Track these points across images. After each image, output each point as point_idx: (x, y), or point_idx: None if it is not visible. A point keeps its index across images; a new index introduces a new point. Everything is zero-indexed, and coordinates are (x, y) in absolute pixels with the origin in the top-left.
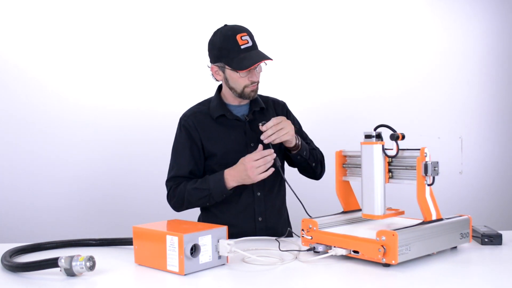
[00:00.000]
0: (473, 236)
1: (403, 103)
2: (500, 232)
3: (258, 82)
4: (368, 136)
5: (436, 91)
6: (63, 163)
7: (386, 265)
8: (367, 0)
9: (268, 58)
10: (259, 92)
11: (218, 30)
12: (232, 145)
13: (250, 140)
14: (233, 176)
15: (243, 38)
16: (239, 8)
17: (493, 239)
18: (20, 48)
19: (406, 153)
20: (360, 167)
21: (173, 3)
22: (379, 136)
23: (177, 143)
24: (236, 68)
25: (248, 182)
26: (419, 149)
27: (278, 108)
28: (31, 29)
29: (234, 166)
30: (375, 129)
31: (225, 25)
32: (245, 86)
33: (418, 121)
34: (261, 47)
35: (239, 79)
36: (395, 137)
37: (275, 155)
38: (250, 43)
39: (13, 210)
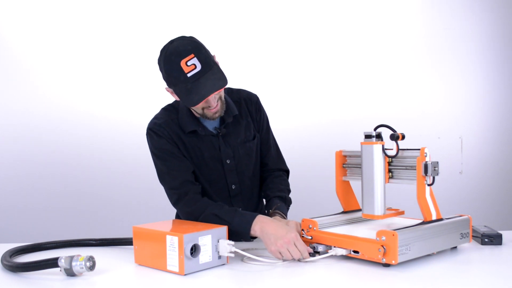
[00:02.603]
0: (473, 236)
1: (403, 103)
2: (500, 232)
3: (221, 102)
4: (368, 136)
5: (436, 91)
6: (63, 163)
7: (386, 265)
8: (368, 0)
9: (217, 89)
10: (232, 86)
11: (163, 48)
12: (205, 163)
13: (226, 157)
14: (267, 224)
15: (188, 63)
16: (237, 15)
17: (493, 239)
18: (16, 53)
19: (406, 153)
20: (360, 167)
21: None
22: (379, 136)
23: (160, 150)
24: (186, 104)
25: (268, 243)
26: (419, 149)
27: (251, 106)
28: (20, 33)
29: (281, 220)
30: (375, 129)
31: (172, 42)
32: (204, 108)
33: (418, 121)
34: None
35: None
36: (395, 137)
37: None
38: (198, 68)
39: (13, 210)
